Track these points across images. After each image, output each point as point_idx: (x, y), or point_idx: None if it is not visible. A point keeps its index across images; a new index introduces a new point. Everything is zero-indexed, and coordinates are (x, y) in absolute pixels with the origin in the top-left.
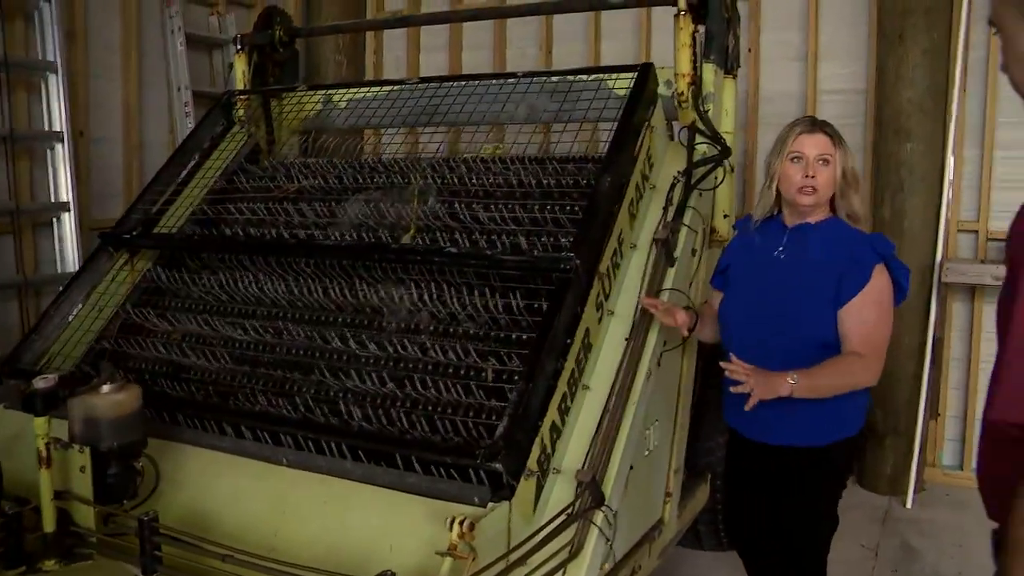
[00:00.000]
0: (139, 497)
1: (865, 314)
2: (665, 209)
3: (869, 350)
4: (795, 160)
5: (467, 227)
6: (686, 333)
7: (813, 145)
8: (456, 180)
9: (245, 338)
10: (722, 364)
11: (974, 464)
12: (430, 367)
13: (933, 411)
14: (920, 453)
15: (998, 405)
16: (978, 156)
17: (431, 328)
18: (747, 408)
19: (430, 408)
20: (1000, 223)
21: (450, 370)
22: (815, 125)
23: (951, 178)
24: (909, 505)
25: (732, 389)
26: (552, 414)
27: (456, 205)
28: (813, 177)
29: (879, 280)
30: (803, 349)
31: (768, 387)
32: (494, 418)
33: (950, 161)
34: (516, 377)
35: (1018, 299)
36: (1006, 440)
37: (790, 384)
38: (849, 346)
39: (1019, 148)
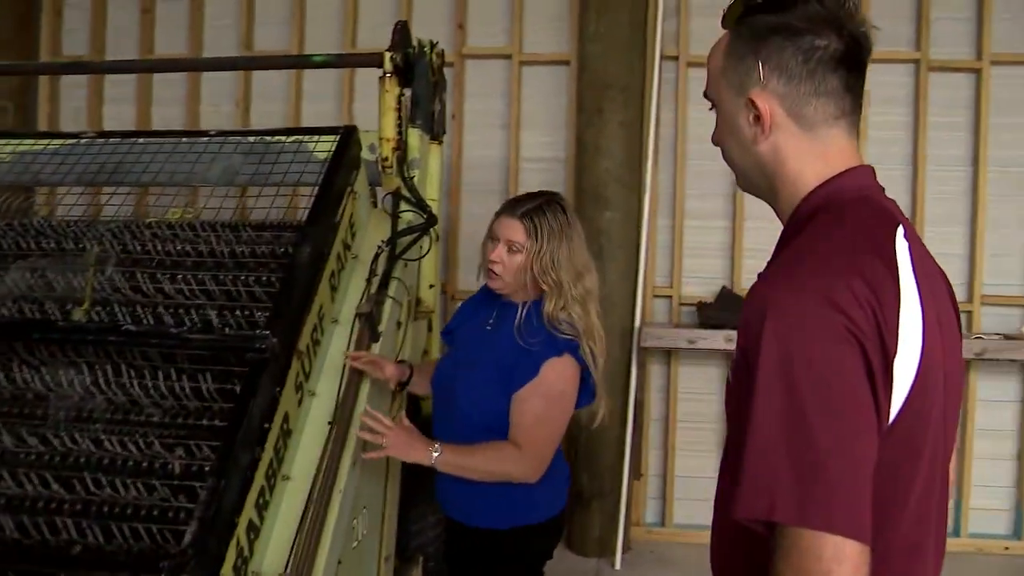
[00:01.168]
0: None
1: (531, 406)
2: (369, 281)
3: (527, 444)
4: (492, 240)
5: (151, 300)
6: (393, 386)
7: (506, 229)
8: (139, 247)
9: None
10: (363, 415)
11: (675, 520)
12: (106, 462)
13: (636, 472)
14: (626, 514)
15: (743, 502)
16: (670, 225)
17: (107, 417)
18: (365, 456)
19: (106, 511)
20: (690, 289)
21: (130, 464)
22: (516, 208)
23: (646, 246)
24: (618, 566)
25: (358, 432)
26: (249, 511)
27: (139, 275)
28: (496, 262)
29: (552, 374)
30: (475, 427)
31: (403, 449)
32: (183, 516)
33: (645, 230)
34: (207, 470)
35: (756, 395)
36: (743, 538)
37: (431, 454)
38: (511, 436)
39: (704, 218)
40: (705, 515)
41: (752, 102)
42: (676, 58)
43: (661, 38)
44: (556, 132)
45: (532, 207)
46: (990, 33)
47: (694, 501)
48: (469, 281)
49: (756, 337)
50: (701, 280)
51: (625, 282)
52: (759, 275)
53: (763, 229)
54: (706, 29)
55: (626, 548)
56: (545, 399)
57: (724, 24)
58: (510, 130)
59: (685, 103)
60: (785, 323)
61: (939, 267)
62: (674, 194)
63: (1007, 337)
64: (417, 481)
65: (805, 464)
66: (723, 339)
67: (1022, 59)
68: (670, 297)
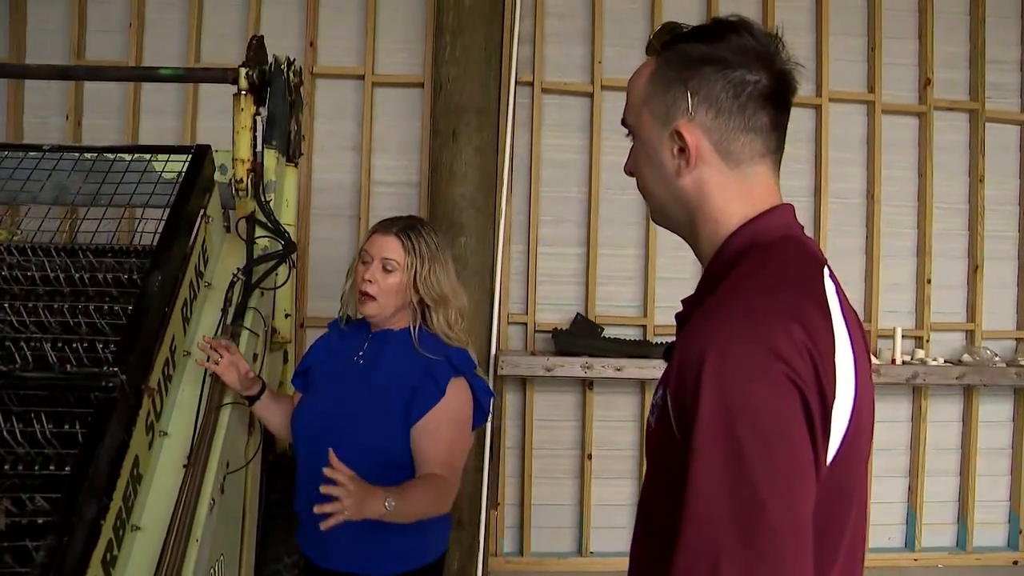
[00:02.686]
0: None
1: (441, 433)
2: (224, 311)
3: (448, 472)
4: (364, 261)
5: None
6: (242, 394)
7: (380, 247)
8: None
9: None
10: (327, 469)
11: (533, 548)
12: None
13: (493, 501)
14: (485, 544)
15: (683, 564)
16: (524, 251)
17: None
18: (324, 527)
19: None
20: (544, 315)
21: None
22: (392, 226)
23: (501, 272)
24: None
25: (317, 509)
26: (95, 569)
27: None
28: (370, 282)
29: (455, 397)
30: (367, 467)
31: (360, 509)
32: None
33: (500, 256)
34: (42, 525)
35: (696, 450)
36: None
37: (385, 509)
38: (427, 468)
39: (558, 244)
40: (561, 543)
41: (678, 133)
42: (531, 83)
43: (516, 63)
44: (409, 155)
45: (406, 224)
46: (828, 73)
47: (551, 529)
48: (319, 308)
49: (694, 386)
50: (555, 307)
51: (480, 309)
52: (678, 315)
53: (615, 256)
54: (560, 56)
55: None
56: (453, 423)
57: (648, 51)
58: (362, 153)
59: (539, 129)
60: (725, 373)
61: (850, 303)
62: (528, 220)
63: None
64: (271, 521)
65: (749, 525)
66: (580, 367)
67: (855, 97)
68: (525, 324)
